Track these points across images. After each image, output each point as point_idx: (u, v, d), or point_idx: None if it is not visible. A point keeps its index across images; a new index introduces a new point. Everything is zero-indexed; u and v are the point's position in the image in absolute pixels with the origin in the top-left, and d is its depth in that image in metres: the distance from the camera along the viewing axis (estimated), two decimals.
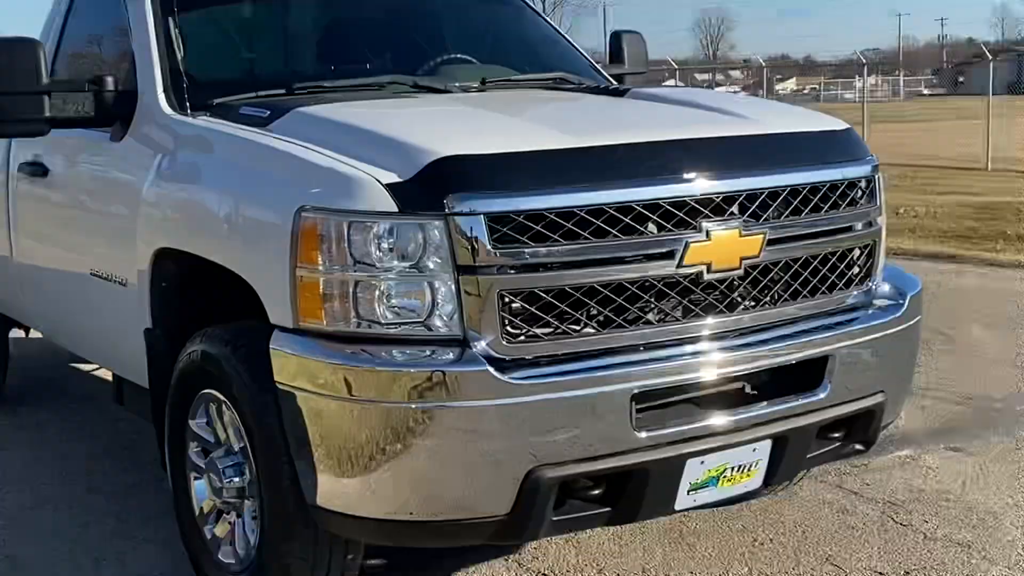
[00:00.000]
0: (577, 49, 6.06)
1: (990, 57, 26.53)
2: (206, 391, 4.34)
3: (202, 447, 4.49)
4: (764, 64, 31.89)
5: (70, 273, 5.43)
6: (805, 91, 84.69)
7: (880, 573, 4.63)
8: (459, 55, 5.66)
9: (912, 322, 4.52)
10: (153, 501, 5.63)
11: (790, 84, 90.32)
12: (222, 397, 4.24)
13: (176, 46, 4.95)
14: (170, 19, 5.04)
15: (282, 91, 4.83)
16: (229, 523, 4.40)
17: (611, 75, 6.01)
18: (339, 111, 4.30)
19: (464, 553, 4.87)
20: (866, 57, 36.61)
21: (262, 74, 5.29)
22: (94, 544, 5.19)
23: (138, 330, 4.80)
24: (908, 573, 4.63)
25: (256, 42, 5.54)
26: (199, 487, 4.53)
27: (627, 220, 3.77)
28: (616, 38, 6.34)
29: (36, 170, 5.66)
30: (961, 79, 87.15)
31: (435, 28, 5.90)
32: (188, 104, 4.67)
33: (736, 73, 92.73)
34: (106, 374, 7.78)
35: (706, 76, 65.52)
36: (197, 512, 4.54)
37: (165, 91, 4.80)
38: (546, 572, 4.73)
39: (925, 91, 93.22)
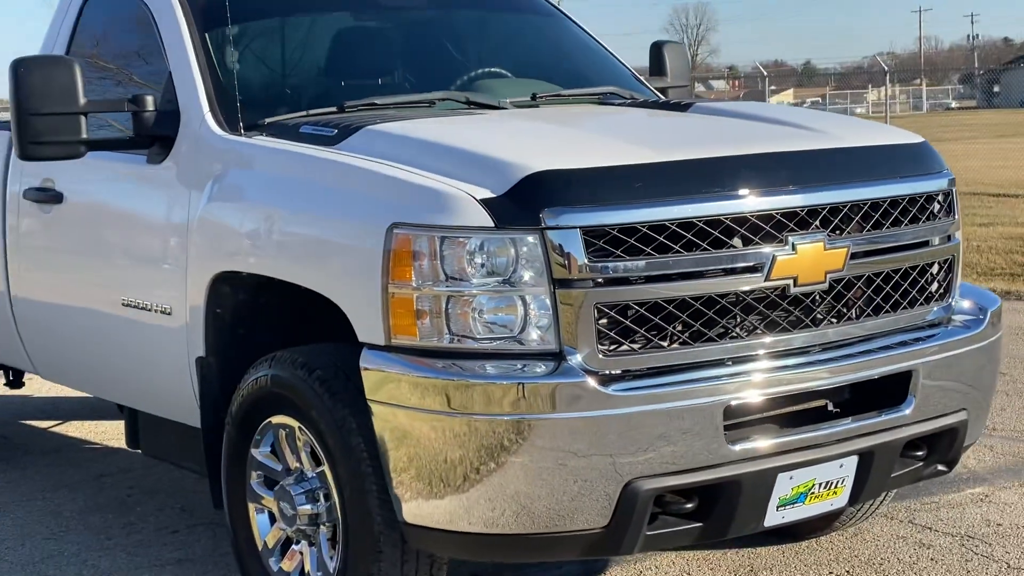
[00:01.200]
0: (619, 60, 7.10)
1: None
2: (274, 417, 5.28)
3: (266, 477, 5.42)
4: (765, 72, 33.23)
5: (94, 304, 6.35)
6: (805, 104, 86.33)
7: None
8: (498, 69, 6.68)
9: (993, 339, 5.55)
10: (176, 550, 6.55)
11: (787, 96, 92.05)
12: (294, 422, 5.18)
13: (216, 64, 5.92)
14: (207, 36, 6.03)
15: (332, 109, 5.82)
16: (299, 553, 5.33)
17: (655, 88, 7.04)
18: (415, 128, 5.29)
19: None
20: (876, 66, 38.05)
21: (308, 93, 6.27)
22: None
23: (183, 360, 5.73)
24: None
25: (297, 60, 6.52)
26: (261, 519, 5.47)
27: (716, 234, 4.76)
28: (657, 49, 7.39)
29: (47, 196, 6.57)
30: (996, 88, 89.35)
31: (474, 43, 6.93)
32: (241, 124, 5.63)
33: (719, 83, 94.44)
34: (68, 429, 8.77)
35: None
36: (260, 546, 5.47)
37: (212, 111, 5.77)
38: None
39: (953, 104, 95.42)
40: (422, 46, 6.77)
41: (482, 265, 4.62)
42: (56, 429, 9.24)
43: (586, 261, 4.59)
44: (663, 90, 7.14)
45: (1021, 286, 13.89)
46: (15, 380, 8.53)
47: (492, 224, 4.60)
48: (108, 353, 6.40)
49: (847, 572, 5.98)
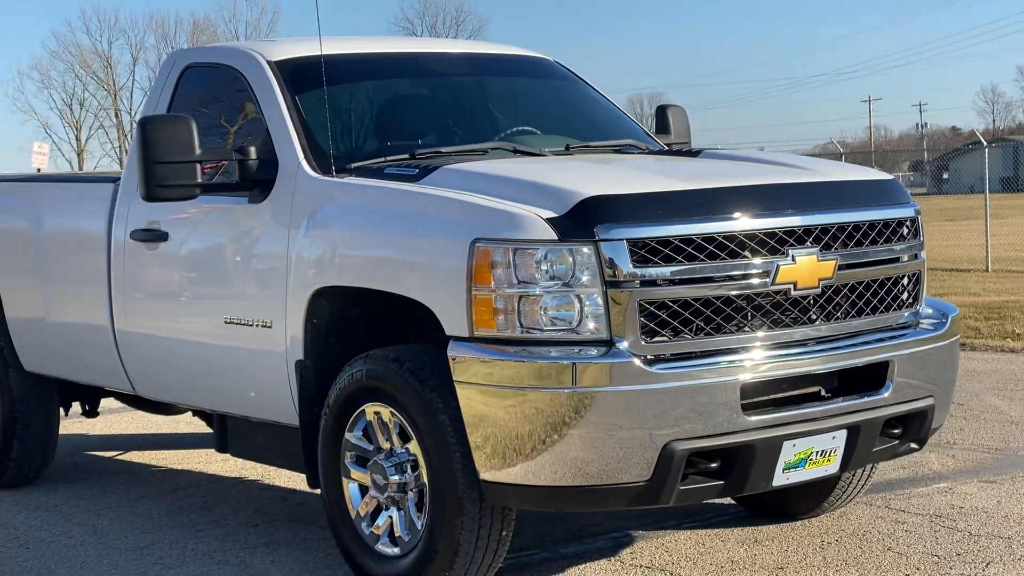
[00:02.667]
0: (631, 118, 8.38)
1: (984, 143, 29.35)
2: (368, 405, 6.45)
3: (358, 456, 6.58)
4: None
5: (197, 324, 7.53)
6: None
7: (936, 555, 6.84)
8: (530, 128, 7.93)
9: (954, 339, 6.79)
10: (260, 537, 7.71)
11: None
12: (385, 408, 6.35)
13: (306, 120, 7.15)
14: (296, 98, 7.26)
15: (405, 156, 7.04)
16: (389, 518, 6.48)
17: (662, 143, 8.30)
18: (484, 167, 6.53)
19: (573, 552, 7.02)
20: (830, 150, 39.48)
21: (381, 143, 7.49)
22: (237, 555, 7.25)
23: (282, 365, 6.89)
24: (959, 555, 6.83)
25: (371, 116, 7.77)
26: (353, 492, 6.61)
27: (732, 246, 5.99)
28: (662, 112, 8.67)
29: (153, 235, 7.75)
30: (945, 175, 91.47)
31: (510, 104, 8.23)
32: (333, 169, 6.85)
33: None
34: (131, 457, 9.90)
35: None
36: (354, 515, 6.62)
37: (306, 158, 6.98)
38: (646, 566, 6.88)
39: None
40: (469, 106, 8.04)
41: (547, 271, 5.81)
42: (120, 457, 10.36)
43: (631, 267, 5.80)
44: (668, 145, 8.39)
45: (975, 341, 15.15)
46: (91, 410, 9.68)
47: (555, 238, 5.81)
48: (209, 365, 7.54)
49: (836, 541, 7.18)
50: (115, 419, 11.73)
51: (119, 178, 8.23)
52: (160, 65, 8.46)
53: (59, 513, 8.62)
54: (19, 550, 7.78)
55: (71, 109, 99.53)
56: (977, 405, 10.96)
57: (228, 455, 8.01)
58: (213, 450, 9.46)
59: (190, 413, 9.35)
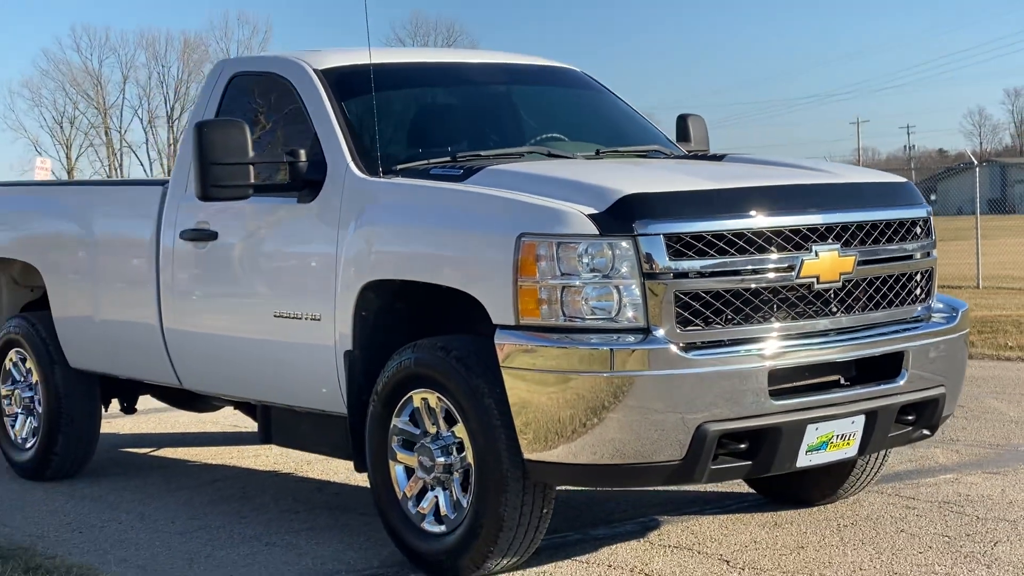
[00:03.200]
0: (655, 126, 8.83)
1: (975, 162, 29.81)
2: (415, 391, 6.86)
3: (404, 440, 7.00)
4: None
5: (246, 319, 7.95)
6: None
7: (946, 536, 7.27)
8: (559, 135, 8.37)
9: (963, 332, 7.24)
10: (303, 523, 8.13)
11: None
12: (432, 394, 6.76)
13: (352, 124, 7.59)
14: (343, 104, 7.70)
15: (447, 159, 7.48)
16: (434, 498, 6.89)
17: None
18: (525, 167, 6.97)
19: (604, 534, 7.46)
20: None
21: (423, 146, 7.91)
22: (284, 536, 7.67)
23: (330, 356, 7.30)
24: (969, 535, 7.27)
25: (413, 122, 8.22)
26: (400, 474, 7.02)
27: (760, 242, 6.43)
28: (683, 120, 9.12)
29: (203, 234, 8.18)
30: (933, 196, 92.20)
31: (543, 111, 8.69)
32: (380, 170, 7.28)
33: None
34: (165, 453, 10.31)
35: None
36: (400, 496, 7.04)
37: (354, 160, 7.41)
38: (674, 546, 7.30)
39: None
40: (503, 113, 8.49)
41: (588, 263, 6.23)
42: (154, 454, 10.78)
43: (667, 260, 6.22)
44: (690, 152, 8.84)
45: (971, 351, 15.59)
46: (129, 406, 10.11)
47: (596, 232, 6.23)
48: (257, 358, 7.95)
49: (852, 524, 7.62)
50: (143, 420, 12.15)
51: (167, 182, 8.65)
52: (207, 74, 8.86)
53: (104, 502, 9.02)
54: (72, 534, 8.18)
55: (61, 127, 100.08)
56: (977, 407, 11.43)
57: (262, 450, 8.40)
58: (244, 447, 10.02)
59: (229, 409, 9.76)
